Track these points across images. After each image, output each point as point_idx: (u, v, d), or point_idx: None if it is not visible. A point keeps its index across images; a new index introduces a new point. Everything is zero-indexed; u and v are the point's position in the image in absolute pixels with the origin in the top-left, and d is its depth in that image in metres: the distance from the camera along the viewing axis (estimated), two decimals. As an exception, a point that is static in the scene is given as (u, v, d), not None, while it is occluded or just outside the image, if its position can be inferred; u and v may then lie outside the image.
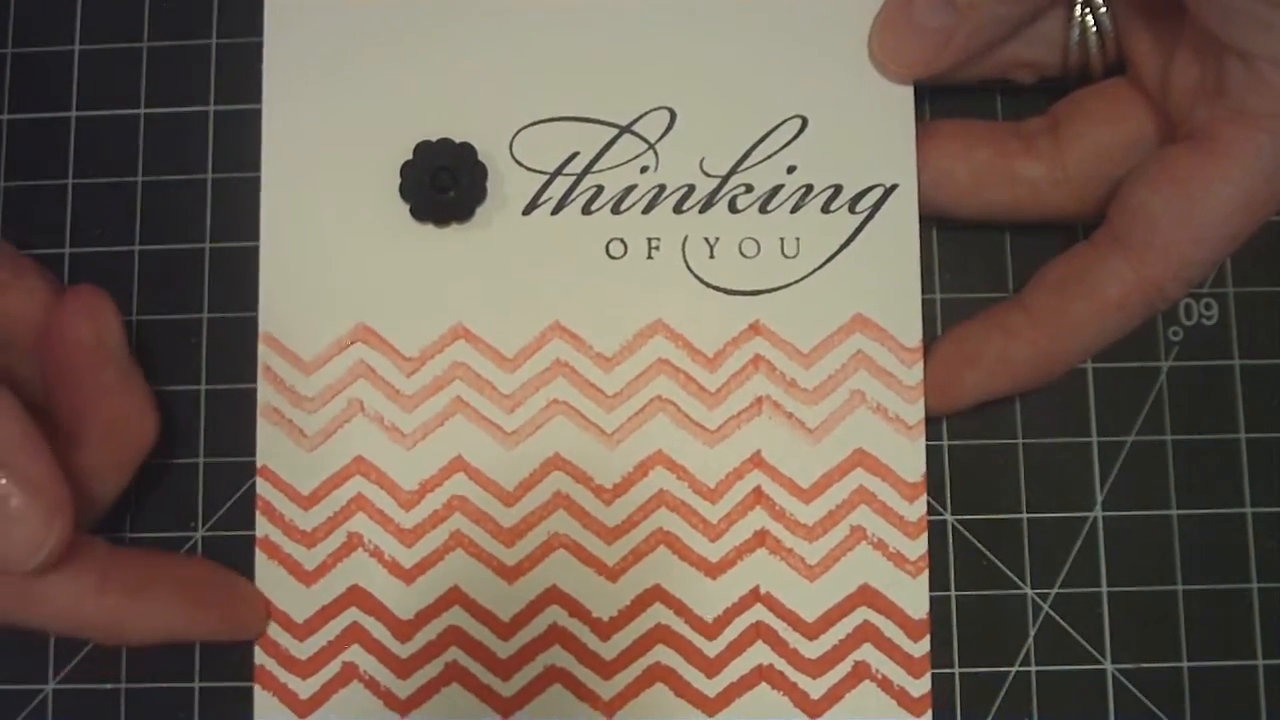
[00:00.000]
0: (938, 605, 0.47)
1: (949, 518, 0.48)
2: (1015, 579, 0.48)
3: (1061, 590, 0.48)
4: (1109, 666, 0.47)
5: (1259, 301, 0.49)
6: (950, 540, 0.48)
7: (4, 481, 0.38)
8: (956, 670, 0.47)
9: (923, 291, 0.46)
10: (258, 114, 0.47)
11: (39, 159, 0.50)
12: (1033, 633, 0.48)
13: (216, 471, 0.49)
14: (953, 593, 0.48)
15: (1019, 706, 0.47)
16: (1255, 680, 0.47)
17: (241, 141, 0.49)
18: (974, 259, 0.49)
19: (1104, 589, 0.48)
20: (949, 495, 0.48)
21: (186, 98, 0.50)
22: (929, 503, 0.47)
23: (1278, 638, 0.48)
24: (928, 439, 0.47)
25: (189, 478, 0.49)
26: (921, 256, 0.46)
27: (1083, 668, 0.48)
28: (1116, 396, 0.49)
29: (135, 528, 0.48)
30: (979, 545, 0.48)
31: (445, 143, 0.45)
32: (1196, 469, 0.48)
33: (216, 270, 0.49)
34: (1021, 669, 0.48)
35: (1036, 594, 0.48)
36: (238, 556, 0.46)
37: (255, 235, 0.47)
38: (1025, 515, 0.48)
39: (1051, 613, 0.48)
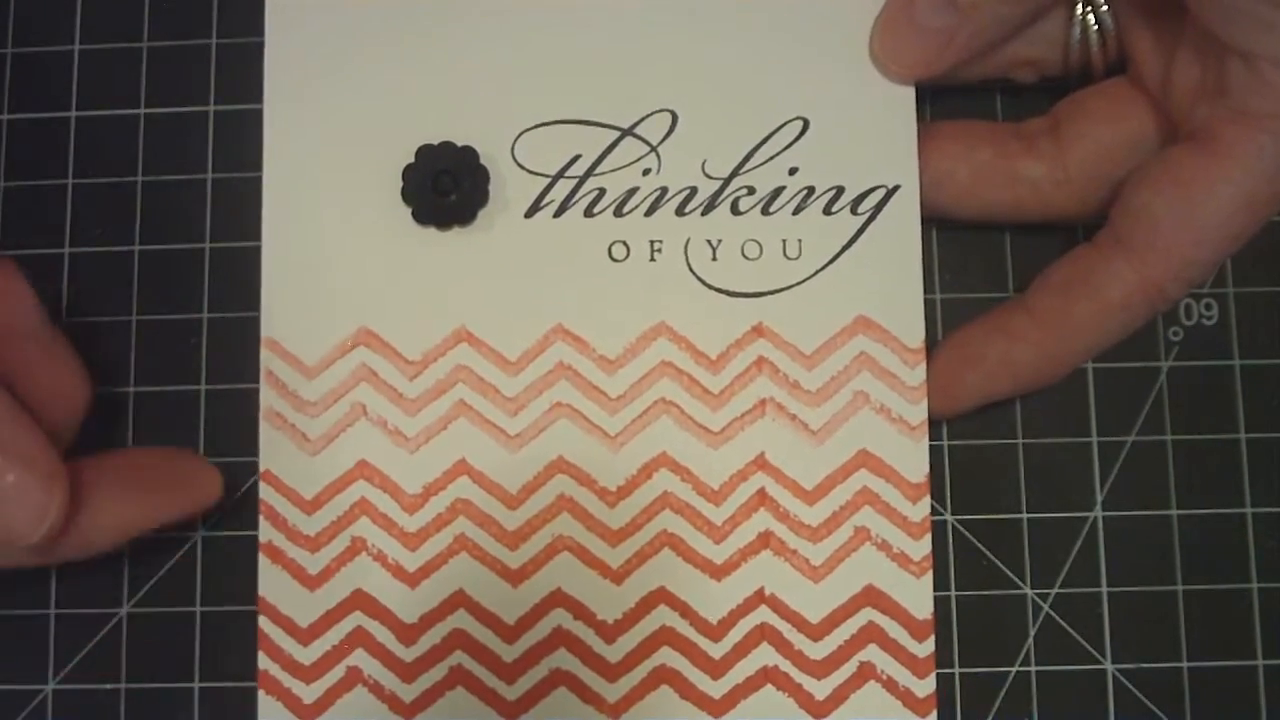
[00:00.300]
0: (938, 605, 0.47)
1: (949, 518, 0.48)
2: (1015, 579, 0.48)
3: (1062, 590, 0.48)
4: (1109, 667, 0.48)
5: (1259, 301, 0.49)
6: (950, 540, 0.48)
7: None
8: (957, 670, 0.48)
9: (924, 292, 0.46)
10: (258, 114, 0.47)
11: (39, 159, 0.50)
12: (1033, 633, 0.48)
13: (216, 471, 0.48)
14: (953, 593, 0.48)
15: (1019, 706, 0.48)
16: (1255, 680, 0.48)
17: (241, 141, 0.49)
18: (974, 260, 0.49)
19: (1104, 589, 0.48)
20: (949, 495, 0.48)
21: (186, 98, 0.50)
22: (930, 503, 0.48)
23: (1278, 638, 0.48)
24: (928, 437, 0.47)
25: (189, 478, 0.48)
26: (922, 257, 0.46)
27: (1083, 668, 0.48)
28: (1117, 396, 0.49)
29: (133, 527, 0.48)
30: (979, 545, 0.48)
31: (447, 146, 0.45)
32: (1197, 469, 0.49)
33: (216, 270, 0.49)
34: (1022, 669, 0.48)
35: (1036, 594, 0.48)
36: (239, 557, 0.47)
37: (255, 235, 0.47)
38: (1025, 515, 0.48)
39: (1052, 613, 0.48)
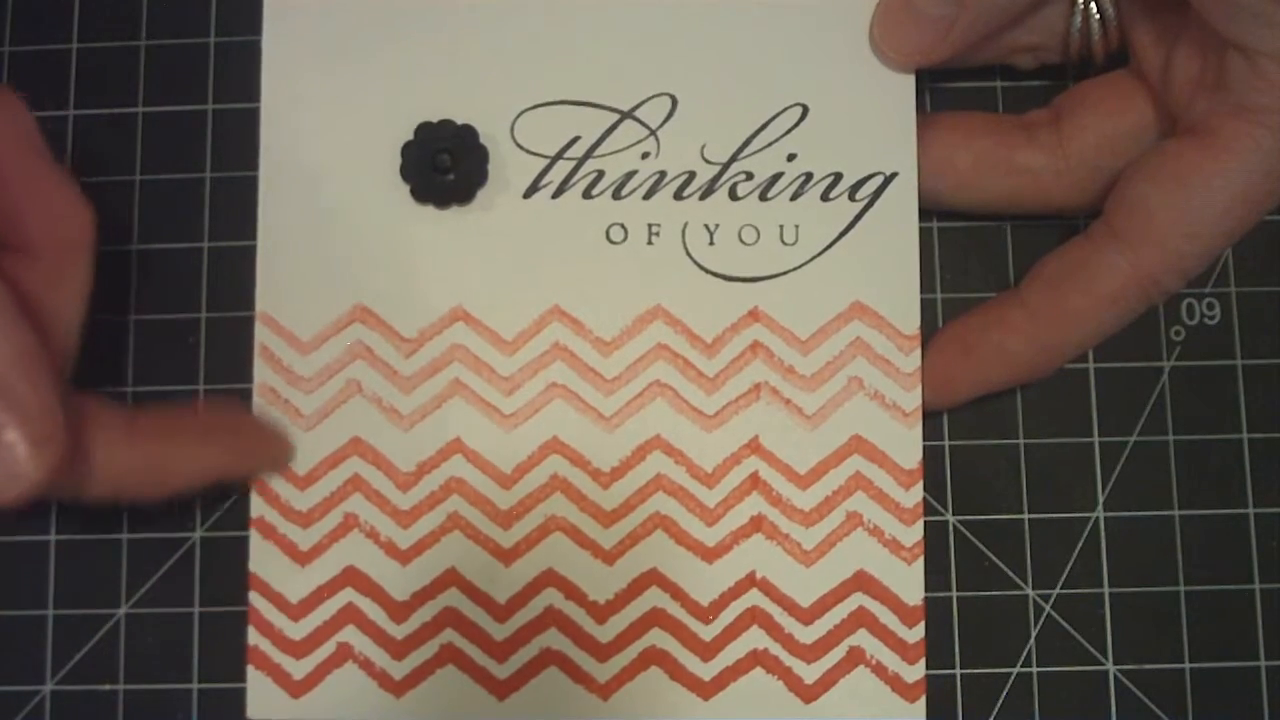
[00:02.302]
0: (939, 606, 0.47)
1: (950, 518, 0.48)
2: (1016, 579, 0.48)
3: (1063, 591, 0.48)
4: (1111, 667, 0.47)
5: (1261, 301, 0.49)
6: (951, 540, 0.48)
7: None
8: (958, 671, 0.47)
9: (924, 291, 0.47)
10: (258, 113, 0.47)
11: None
12: (1034, 633, 0.47)
13: (216, 471, 0.48)
14: (954, 593, 0.48)
15: (1020, 708, 0.47)
16: (1258, 681, 0.47)
17: (241, 141, 0.49)
18: (975, 259, 0.49)
19: (1106, 590, 0.48)
20: (950, 495, 0.48)
21: (186, 97, 0.50)
22: (931, 503, 0.47)
23: (1280, 639, 0.47)
24: (929, 438, 0.47)
25: (188, 477, 0.49)
26: (923, 256, 0.46)
27: (1084, 669, 0.47)
28: (1118, 396, 0.49)
29: (133, 528, 0.48)
30: (980, 545, 0.48)
31: (447, 124, 0.46)
32: (1198, 469, 0.48)
33: (216, 270, 0.49)
34: (1023, 670, 0.47)
35: (1038, 594, 0.48)
36: (237, 557, 0.46)
37: (254, 235, 0.47)
38: (1026, 515, 0.48)
39: (1053, 613, 0.47)
